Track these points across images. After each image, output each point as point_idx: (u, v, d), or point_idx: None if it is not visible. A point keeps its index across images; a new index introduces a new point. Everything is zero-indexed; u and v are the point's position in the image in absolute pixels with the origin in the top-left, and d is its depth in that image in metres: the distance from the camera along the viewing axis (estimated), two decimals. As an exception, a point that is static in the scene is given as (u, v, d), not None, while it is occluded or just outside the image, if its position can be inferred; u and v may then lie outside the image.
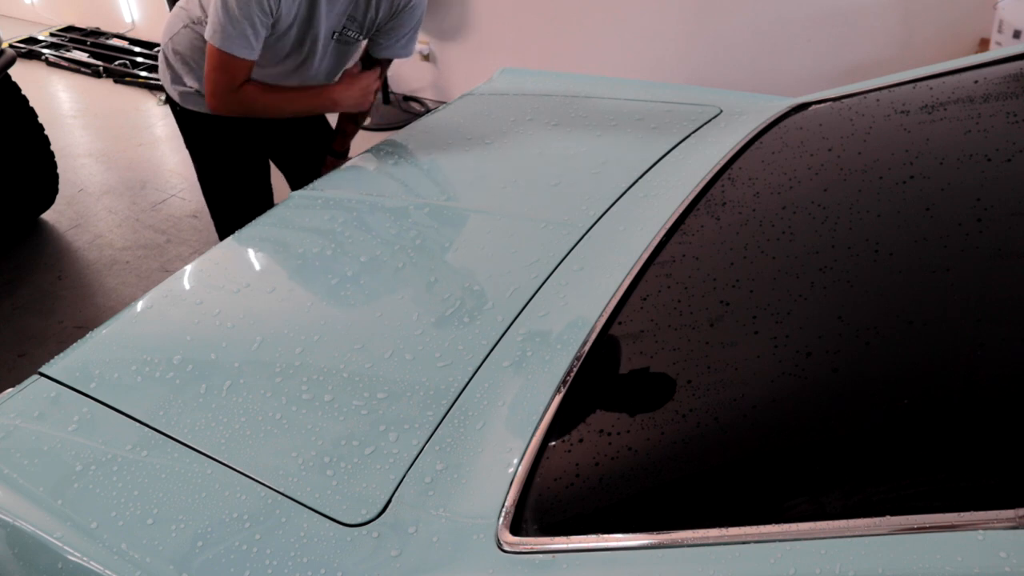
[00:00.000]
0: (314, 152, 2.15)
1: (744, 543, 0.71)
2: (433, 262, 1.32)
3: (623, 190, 1.39)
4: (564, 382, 0.99)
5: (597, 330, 1.06)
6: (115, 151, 3.86)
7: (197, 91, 1.89)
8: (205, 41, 1.72)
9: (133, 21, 5.22)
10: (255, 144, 2.02)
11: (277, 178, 2.19)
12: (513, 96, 1.90)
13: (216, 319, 1.23)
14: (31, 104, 3.08)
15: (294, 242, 1.43)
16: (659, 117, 1.66)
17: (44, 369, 1.15)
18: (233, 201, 2.07)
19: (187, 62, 1.88)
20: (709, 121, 1.60)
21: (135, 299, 1.30)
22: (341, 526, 0.88)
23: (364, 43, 1.91)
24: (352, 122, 2.10)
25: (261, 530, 0.89)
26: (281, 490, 0.93)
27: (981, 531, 0.63)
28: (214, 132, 1.97)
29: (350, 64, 1.95)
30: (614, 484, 0.86)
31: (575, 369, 1.01)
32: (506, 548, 0.82)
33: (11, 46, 4.95)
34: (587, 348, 1.03)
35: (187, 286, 1.33)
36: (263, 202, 2.11)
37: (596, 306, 1.10)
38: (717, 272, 1.10)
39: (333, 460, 0.96)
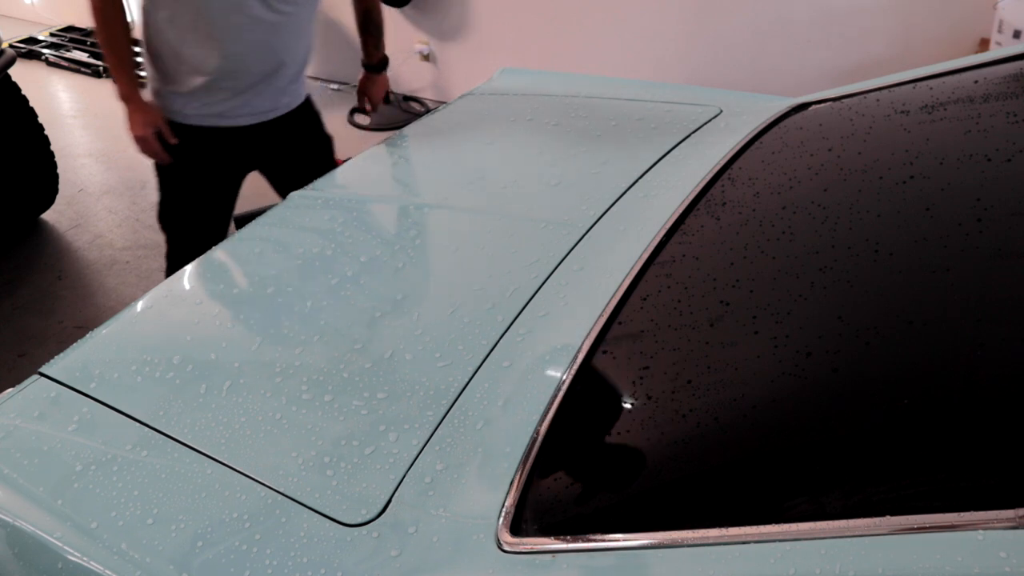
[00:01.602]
0: (309, 164, 1.96)
1: (744, 543, 0.71)
2: (433, 262, 1.32)
3: (623, 190, 1.39)
4: (564, 382, 0.99)
5: (597, 330, 1.05)
6: (115, 151, 3.86)
7: (158, 91, 1.87)
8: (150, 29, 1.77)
9: (133, 21, 5.21)
10: (237, 157, 1.93)
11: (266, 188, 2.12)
12: (513, 96, 1.90)
13: (216, 319, 1.23)
14: (31, 104, 3.08)
15: (294, 242, 1.43)
16: (659, 117, 1.65)
17: (44, 369, 1.15)
18: (190, 225, 1.98)
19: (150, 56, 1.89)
20: (709, 121, 1.60)
21: (135, 299, 1.30)
22: (341, 526, 0.88)
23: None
24: (369, 34, 2.04)
25: (261, 530, 0.89)
26: (281, 490, 0.93)
27: (981, 531, 0.63)
28: (193, 142, 1.88)
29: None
30: (614, 484, 0.86)
31: (575, 369, 1.01)
32: (506, 548, 0.82)
33: (11, 46, 4.95)
34: (587, 348, 1.03)
35: (187, 286, 1.33)
36: (220, 230, 2.00)
37: (596, 306, 1.10)
38: (717, 272, 1.10)
39: (333, 460, 0.96)
